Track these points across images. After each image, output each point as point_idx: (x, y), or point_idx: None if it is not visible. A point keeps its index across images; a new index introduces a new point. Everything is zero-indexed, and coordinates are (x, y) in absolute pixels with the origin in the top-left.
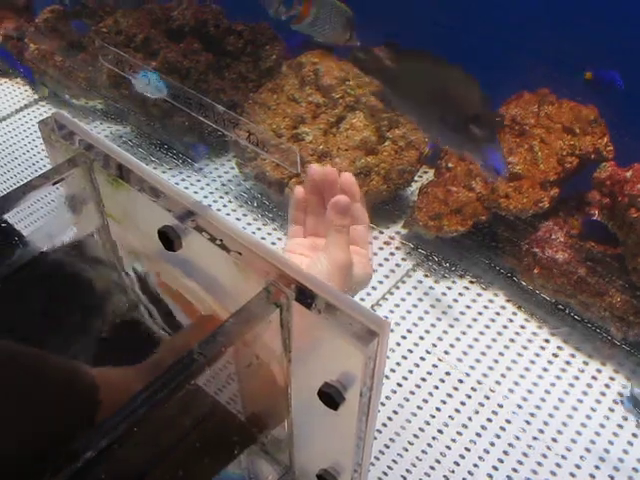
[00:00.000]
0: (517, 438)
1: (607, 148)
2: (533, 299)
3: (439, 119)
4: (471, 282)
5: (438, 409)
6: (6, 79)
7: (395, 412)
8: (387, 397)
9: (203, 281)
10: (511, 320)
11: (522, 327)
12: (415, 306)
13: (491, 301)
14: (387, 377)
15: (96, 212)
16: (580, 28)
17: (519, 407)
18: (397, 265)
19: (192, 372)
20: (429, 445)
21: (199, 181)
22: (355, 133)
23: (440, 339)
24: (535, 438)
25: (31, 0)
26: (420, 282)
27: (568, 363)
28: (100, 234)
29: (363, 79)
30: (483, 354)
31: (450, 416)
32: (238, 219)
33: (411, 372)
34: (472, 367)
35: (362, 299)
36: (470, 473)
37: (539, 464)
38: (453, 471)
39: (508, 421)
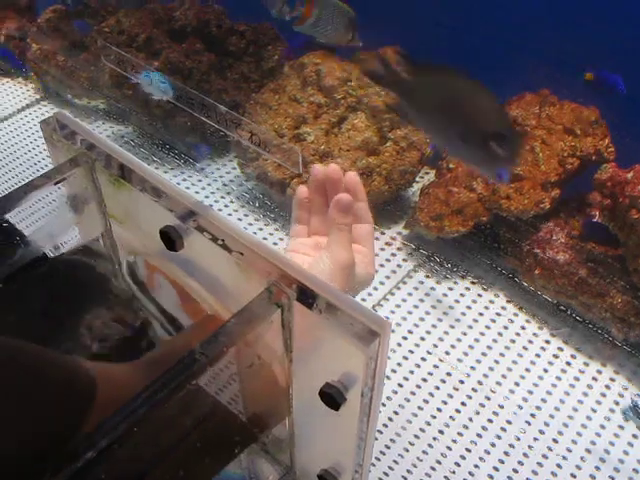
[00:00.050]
0: (517, 439)
1: (608, 149)
2: (534, 300)
3: (457, 134)
4: (472, 283)
5: (439, 409)
6: (8, 79)
7: (396, 412)
8: (388, 397)
9: (205, 281)
10: (512, 321)
11: (523, 328)
12: (416, 307)
13: (492, 302)
14: (388, 377)
15: (98, 212)
16: (582, 29)
17: (520, 408)
18: (398, 266)
19: (194, 372)
20: (430, 446)
21: (200, 181)
22: (357, 134)
23: (441, 340)
24: (535, 439)
25: (33, 0)
26: (421, 283)
27: (569, 364)
28: (102, 234)
29: (365, 80)
30: (484, 355)
31: (451, 417)
32: (239, 219)
33: (412, 372)
34: (473, 368)
35: (363, 299)
36: (471, 474)
37: (540, 465)
38: (454, 472)
39: (509, 422)
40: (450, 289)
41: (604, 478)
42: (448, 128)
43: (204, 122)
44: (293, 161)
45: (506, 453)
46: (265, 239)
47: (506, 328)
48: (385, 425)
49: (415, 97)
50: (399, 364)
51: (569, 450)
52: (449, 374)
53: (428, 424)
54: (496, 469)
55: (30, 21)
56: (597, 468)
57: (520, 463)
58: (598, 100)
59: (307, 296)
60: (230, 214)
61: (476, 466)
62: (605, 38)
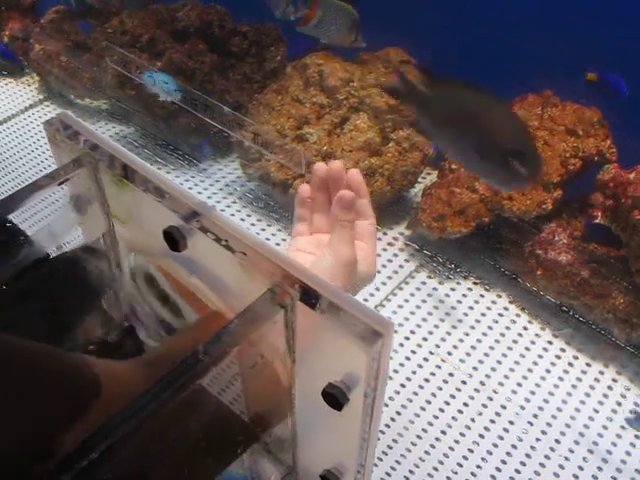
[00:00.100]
0: (520, 439)
1: (610, 150)
2: (536, 301)
3: (476, 151)
4: (474, 283)
5: (441, 410)
6: (11, 79)
7: (398, 413)
8: (390, 398)
9: (208, 281)
10: (514, 322)
11: (525, 329)
12: (418, 307)
13: (494, 302)
14: (390, 378)
15: (101, 212)
16: (584, 30)
17: (522, 408)
18: (400, 266)
19: (197, 372)
20: (432, 446)
21: (203, 181)
22: (359, 134)
23: (443, 340)
24: (538, 439)
25: (37, 1)
26: (423, 283)
27: (571, 365)
28: (105, 234)
29: (367, 81)
30: (486, 355)
31: (453, 417)
32: (242, 220)
33: (414, 373)
34: (475, 368)
35: (365, 300)
36: (473, 474)
37: (542, 465)
38: (456, 472)
39: (511, 422)
40: (452, 290)
41: (606, 479)
42: (466, 144)
43: (207, 122)
44: (296, 161)
45: (508, 454)
46: (268, 239)
47: (508, 329)
48: (387, 425)
49: (433, 111)
50: (401, 365)
51: (571, 451)
52: (451, 375)
53: (430, 424)
54: (498, 469)
55: (33, 22)
56: (599, 469)
57: (522, 464)
58: (600, 101)
59: (310, 296)
60: (233, 214)
61: (478, 466)
62: (607, 39)
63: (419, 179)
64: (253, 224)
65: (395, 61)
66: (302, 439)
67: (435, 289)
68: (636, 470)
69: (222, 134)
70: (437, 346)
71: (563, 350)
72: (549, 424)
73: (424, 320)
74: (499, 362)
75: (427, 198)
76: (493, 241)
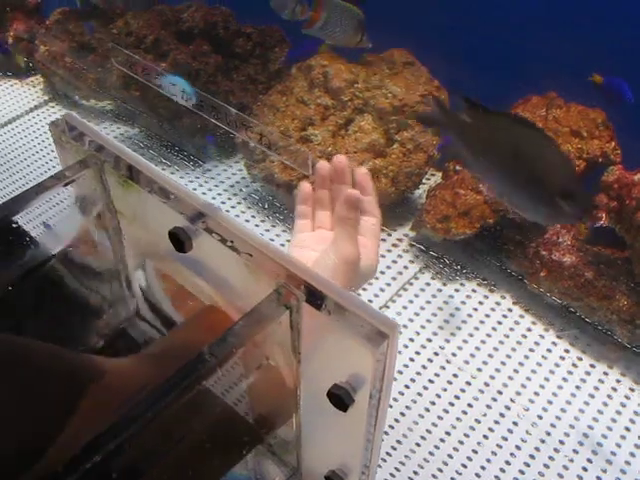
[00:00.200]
0: (524, 441)
1: (615, 152)
2: (540, 302)
3: (522, 188)
4: (479, 285)
5: (446, 411)
6: (16, 80)
7: (403, 414)
8: (395, 399)
9: (214, 282)
10: (518, 323)
11: (529, 330)
12: (423, 308)
13: (498, 303)
14: (395, 378)
15: (107, 213)
16: (588, 31)
17: (526, 410)
18: (405, 267)
19: (203, 373)
20: (436, 447)
21: (207, 182)
22: (363, 136)
23: (447, 341)
24: (542, 440)
25: (41, 2)
26: (428, 284)
27: (575, 366)
28: (110, 235)
29: (372, 82)
30: (490, 356)
31: (458, 418)
32: (247, 220)
33: (419, 374)
34: (479, 369)
35: (370, 301)
36: (477, 475)
37: (546, 466)
38: (461, 473)
39: (515, 423)
40: (457, 291)
41: None
42: (511, 180)
43: (212, 123)
44: (302, 163)
45: (512, 454)
46: (272, 240)
47: (512, 330)
48: (392, 426)
49: (474, 142)
50: (406, 365)
51: (575, 452)
52: (456, 376)
53: (435, 425)
54: (502, 470)
55: (38, 23)
56: (604, 470)
57: (526, 464)
58: (604, 102)
59: (316, 297)
60: (237, 215)
61: (483, 467)
62: (611, 40)
63: (423, 180)
64: (257, 225)
65: (427, 89)
66: (307, 440)
67: (439, 290)
68: None
69: (227, 135)
70: (441, 347)
71: (567, 351)
72: (553, 425)
73: (428, 321)
74: (503, 363)
75: (431, 199)
76: (497, 242)
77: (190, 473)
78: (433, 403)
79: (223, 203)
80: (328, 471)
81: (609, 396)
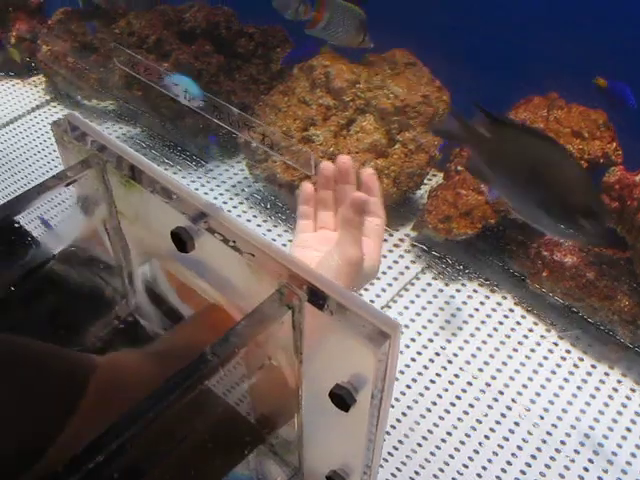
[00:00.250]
0: (525, 441)
1: (616, 152)
2: (542, 302)
3: (541, 205)
4: (480, 285)
5: (447, 411)
6: (18, 80)
7: (404, 414)
8: (396, 399)
9: (216, 282)
10: (519, 323)
11: (530, 330)
12: (424, 308)
13: (499, 304)
14: (396, 379)
15: (109, 213)
16: (590, 32)
17: (527, 410)
18: (406, 267)
19: (205, 373)
20: (438, 447)
21: (209, 182)
22: (365, 136)
23: (449, 341)
24: (544, 441)
25: (44, 2)
26: (429, 284)
27: (576, 366)
28: (112, 235)
29: (374, 82)
30: (492, 357)
31: (459, 418)
32: (249, 220)
33: (420, 374)
34: (480, 369)
35: (372, 301)
36: (479, 475)
37: (547, 467)
38: (462, 473)
39: (516, 424)
40: (458, 291)
41: None
42: (531, 196)
43: (214, 123)
44: (305, 163)
45: (514, 455)
46: (274, 240)
47: (514, 330)
48: (393, 426)
49: (493, 157)
50: (407, 366)
51: (577, 452)
52: (457, 376)
53: (436, 425)
54: (504, 470)
55: (41, 23)
56: (605, 471)
57: (528, 465)
58: (607, 106)
59: (318, 297)
60: (239, 215)
61: (484, 468)
62: (612, 41)
63: (425, 181)
64: (259, 225)
65: (429, 89)
66: (308, 440)
67: (441, 290)
68: None
69: (229, 135)
70: (443, 347)
71: (568, 351)
72: (554, 425)
73: (430, 321)
74: (504, 363)
75: (433, 200)
76: (498, 243)
77: (192, 473)
78: (434, 403)
79: (225, 203)
80: (330, 471)
81: (610, 396)
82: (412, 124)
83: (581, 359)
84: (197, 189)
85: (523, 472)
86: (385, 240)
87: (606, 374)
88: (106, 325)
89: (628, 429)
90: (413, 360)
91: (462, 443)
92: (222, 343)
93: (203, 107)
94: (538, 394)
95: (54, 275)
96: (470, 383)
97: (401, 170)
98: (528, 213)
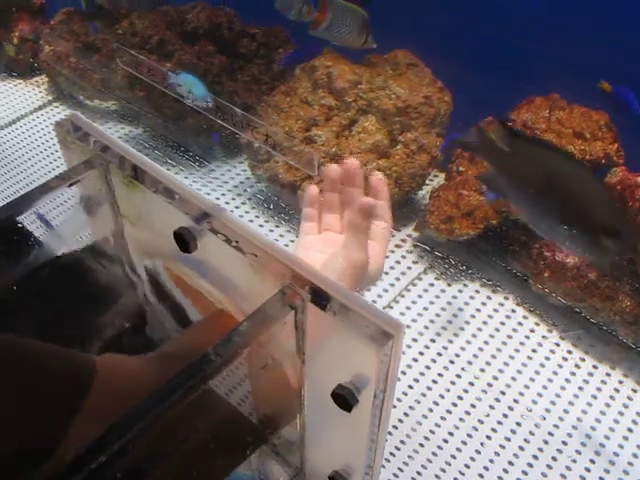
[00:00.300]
0: (527, 441)
1: (618, 153)
2: (544, 303)
3: (563, 222)
4: (482, 285)
5: (449, 412)
6: (21, 80)
7: (406, 414)
8: (398, 399)
9: (219, 282)
10: (521, 323)
11: (532, 330)
12: (426, 308)
13: (502, 304)
14: (398, 379)
15: (111, 213)
16: (592, 32)
17: (529, 410)
18: (409, 268)
19: (208, 373)
20: (440, 447)
21: (211, 182)
22: (367, 136)
23: (451, 341)
24: (545, 441)
25: (46, 2)
26: (431, 285)
27: (578, 367)
28: (114, 235)
29: (376, 83)
30: (494, 357)
31: (461, 419)
32: (251, 220)
33: (423, 374)
34: (483, 370)
35: (374, 301)
36: (480, 476)
37: (549, 467)
38: (464, 474)
39: (518, 424)
40: (460, 291)
41: None
42: (552, 214)
43: (217, 123)
44: (307, 163)
45: (515, 455)
46: (277, 240)
47: (516, 330)
48: (395, 427)
49: (513, 172)
50: (409, 366)
51: (578, 452)
52: (459, 376)
53: (438, 426)
54: (506, 471)
55: (43, 23)
56: (606, 471)
57: (530, 465)
58: (611, 110)
59: (321, 298)
60: (242, 215)
61: (486, 468)
62: (613, 40)
63: (427, 181)
64: (262, 225)
65: (431, 90)
66: (310, 440)
67: (443, 290)
68: None
69: (232, 135)
70: (445, 347)
71: (570, 352)
72: (556, 426)
73: (432, 321)
74: (506, 364)
75: (435, 200)
76: (500, 243)
77: (194, 473)
78: (436, 403)
79: (227, 203)
80: (332, 471)
81: (612, 397)
82: (414, 125)
83: (583, 359)
84: (199, 189)
85: (525, 472)
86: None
87: (608, 374)
88: (111, 326)
89: (630, 429)
90: (415, 360)
91: (464, 443)
92: (225, 343)
93: (206, 107)
94: (540, 394)
95: (56, 273)
96: (472, 383)
97: (403, 171)
98: (548, 229)
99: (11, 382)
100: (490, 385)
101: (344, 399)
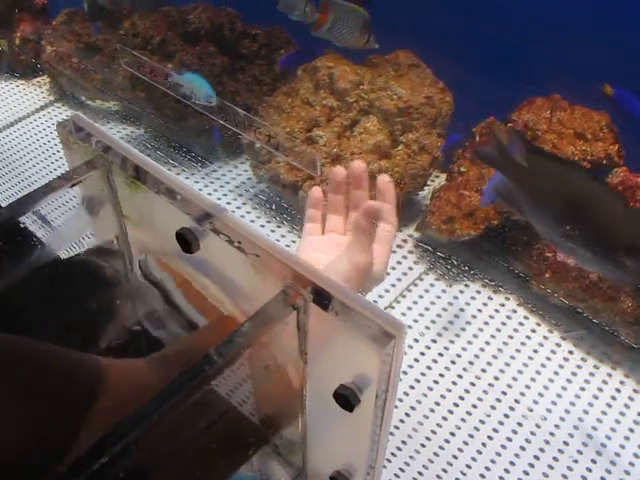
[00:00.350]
0: (528, 441)
1: (619, 154)
2: (545, 303)
3: (583, 240)
4: (483, 286)
5: (450, 412)
6: (23, 81)
7: (407, 414)
8: (400, 399)
9: (221, 283)
10: (522, 324)
11: (533, 331)
12: (427, 309)
13: (503, 305)
14: (400, 379)
15: (113, 214)
16: (593, 33)
17: (530, 411)
18: (410, 268)
19: (210, 374)
20: (441, 447)
21: (213, 183)
22: (369, 137)
23: (452, 342)
24: (547, 442)
25: (48, 3)
26: (433, 285)
27: (579, 367)
28: (117, 236)
29: (377, 84)
30: (495, 357)
31: (462, 419)
32: (253, 221)
33: (424, 374)
34: (484, 370)
35: (375, 301)
36: (482, 476)
37: (550, 467)
38: (465, 474)
39: (520, 424)
40: (461, 292)
41: None
42: (572, 231)
43: (219, 124)
44: (309, 163)
45: (517, 455)
46: (278, 240)
47: (517, 331)
48: (397, 427)
49: (530, 188)
50: (411, 366)
51: (580, 452)
52: (460, 376)
53: (440, 426)
54: (507, 471)
55: (45, 23)
56: (608, 471)
57: (531, 465)
58: (608, 104)
59: (323, 298)
60: (243, 216)
61: (487, 468)
62: (614, 41)
63: (428, 182)
64: (263, 225)
65: (432, 91)
66: (312, 440)
67: (444, 291)
68: None
69: (233, 136)
70: (446, 348)
71: (571, 352)
72: (557, 426)
73: (433, 322)
74: (507, 364)
75: (436, 201)
76: (502, 243)
77: (196, 474)
78: (438, 404)
79: (229, 204)
80: (333, 471)
81: (613, 397)
82: (415, 125)
83: (584, 360)
84: (200, 190)
85: (526, 472)
86: None
87: (609, 375)
88: (114, 329)
89: (631, 429)
90: (416, 360)
91: (465, 443)
92: (227, 344)
93: (209, 108)
94: (541, 394)
95: (58, 274)
96: (473, 384)
97: (404, 171)
98: (567, 249)
99: (10, 382)
100: (491, 385)
101: (346, 399)
